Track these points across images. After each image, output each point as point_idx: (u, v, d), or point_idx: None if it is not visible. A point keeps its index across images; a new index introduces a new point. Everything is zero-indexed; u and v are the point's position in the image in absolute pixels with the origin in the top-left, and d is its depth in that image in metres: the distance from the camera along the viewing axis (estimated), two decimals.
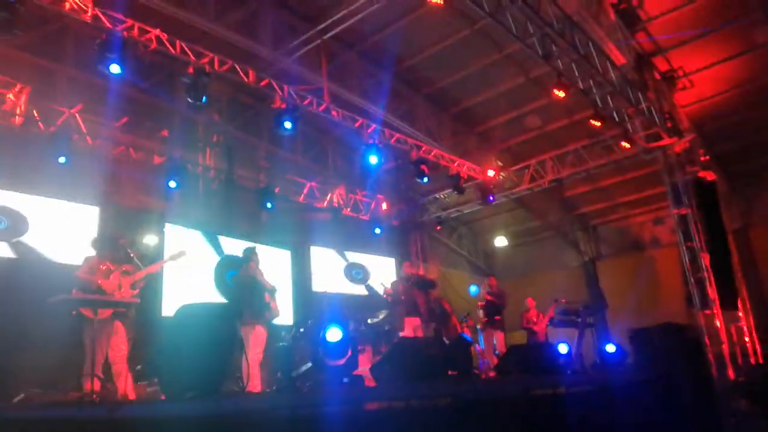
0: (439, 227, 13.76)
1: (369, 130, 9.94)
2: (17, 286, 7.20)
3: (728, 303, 9.07)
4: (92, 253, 5.68)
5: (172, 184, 8.91)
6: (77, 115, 8.41)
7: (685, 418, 7.29)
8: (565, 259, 15.67)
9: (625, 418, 6.46)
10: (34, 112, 8.06)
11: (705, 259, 8.97)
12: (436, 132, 12.15)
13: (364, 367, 7.04)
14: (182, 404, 3.73)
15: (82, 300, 5.07)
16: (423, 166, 10.54)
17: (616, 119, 9.34)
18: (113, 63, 6.69)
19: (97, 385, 4.73)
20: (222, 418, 3.64)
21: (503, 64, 10.69)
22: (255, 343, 6.14)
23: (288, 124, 8.33)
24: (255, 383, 5.97)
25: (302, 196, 11.53)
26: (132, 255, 5.64)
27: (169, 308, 8.18)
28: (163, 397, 4.30)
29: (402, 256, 13.23)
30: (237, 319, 5.64)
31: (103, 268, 5.38)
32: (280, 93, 8.64)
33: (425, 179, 10.70)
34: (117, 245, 5.66)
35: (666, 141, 9.47)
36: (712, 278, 8.91)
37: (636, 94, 9.29)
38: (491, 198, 12.08)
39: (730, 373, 8.43)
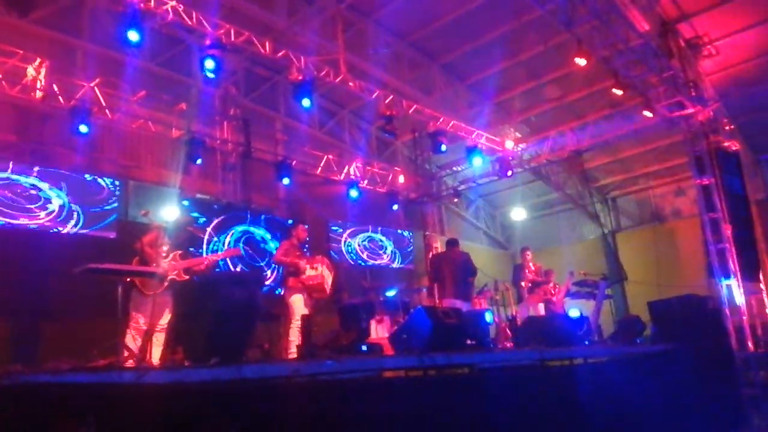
0: (456, 199, 13.70)
1: (386, 101, 9.86)
2: (41, 257, 7.36)
3: (750, 274, 8.95)
4: (157, 226, 5.69)
5: (198, 162, 9.01)
6: (96, 88, 8.47)
7: (704, 389, 7.31)
8: (583, 232, 15.56)
9: (642, 389, 6.49)
10: (54, 86, 8.12)
11: (727, 230, 8.82)
12: (453, 103, 12.01)
13: (382, 335, 7.14)
14: (207, 370, 3.83)
15: (127, 271, 5.16)
16: (440, 138, 10.47)
17: (638, 88, 9.14)
18: (131, 30, 6.68)
19: (127, 352, 4.86)
20: (245, 384, 3.73)
21: (522, 32, 10.47)
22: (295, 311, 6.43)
23: (306, 102, 8.40)
24: (292, 351, 6.11)
25: (319, 168, 11.55)
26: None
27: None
28: (188, 363, 4.41)
29: (419, 229, 13.25)
30: (259, 286, 5.74)
31: (165, 246, 5.46)
32: (297, 64, 8.59)
33: (442, 151, 10.64)
34: (182, 231, 5.71)
35: (689, 110, 9.24)
36: (734, 249, 8.78)
37: (659, 62, 9.05)
38: (509, 170, 11.96)
39: (750, 345, 8.36)
